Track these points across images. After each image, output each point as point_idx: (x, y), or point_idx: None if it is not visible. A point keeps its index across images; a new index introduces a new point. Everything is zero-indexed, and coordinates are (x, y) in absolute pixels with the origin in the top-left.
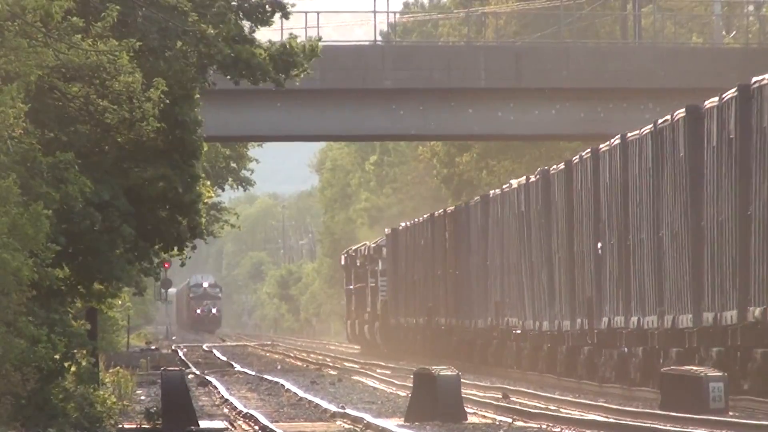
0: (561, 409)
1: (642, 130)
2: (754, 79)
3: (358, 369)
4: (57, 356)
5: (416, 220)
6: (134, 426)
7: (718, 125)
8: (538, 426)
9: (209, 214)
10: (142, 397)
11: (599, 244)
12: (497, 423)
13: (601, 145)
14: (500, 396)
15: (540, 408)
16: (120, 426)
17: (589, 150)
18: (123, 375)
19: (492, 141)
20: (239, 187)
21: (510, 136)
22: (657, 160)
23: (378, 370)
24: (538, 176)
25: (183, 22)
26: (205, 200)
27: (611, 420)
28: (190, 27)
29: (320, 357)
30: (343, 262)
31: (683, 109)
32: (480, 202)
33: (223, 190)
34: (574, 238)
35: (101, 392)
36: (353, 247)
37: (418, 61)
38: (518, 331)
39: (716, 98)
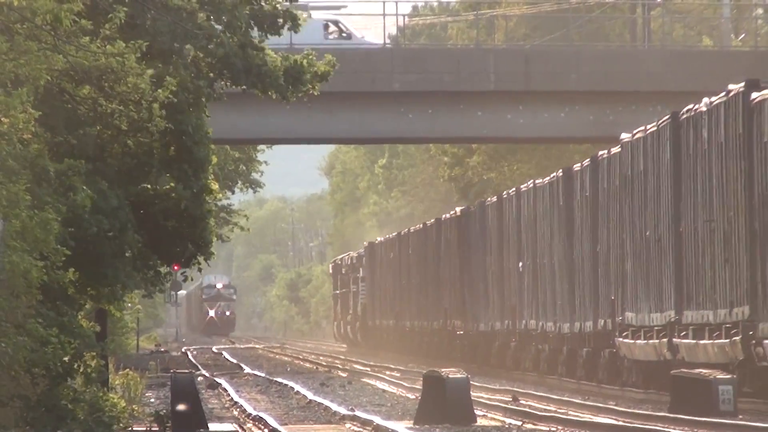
0: (570, 412)
1: (545, 179)
2: (600, 152)
3: (367, 371)
4: (66, 358)
5: (388, 236)
6: (143, 429)
7: (581, 184)
8: (548, 428)
9: (219, 217)
10: (152, 400)
11: (520, 263)
12: (507, 425)
13: (522, 186)
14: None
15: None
16: (129, 429)
17: (514, 188)
18: (132, 377)
19: (501, 144)
20: (249, 189)
21: (519, 139)
22: (552, 203)
23: (387, 373)
24: (475, 207)
25: (193, 24)
26: (215, 200)
27: (621, 423)
28: (199, 30)
29: (329, 359)
30: (331, 270)
31: (561, 170)
32: (434, 224)
33: (233, 192)
34: (503, 257)
35: (111, 395)
36: (339, 257)
37: (427, 63)
38: (461, 332)
39: (579, 164)
